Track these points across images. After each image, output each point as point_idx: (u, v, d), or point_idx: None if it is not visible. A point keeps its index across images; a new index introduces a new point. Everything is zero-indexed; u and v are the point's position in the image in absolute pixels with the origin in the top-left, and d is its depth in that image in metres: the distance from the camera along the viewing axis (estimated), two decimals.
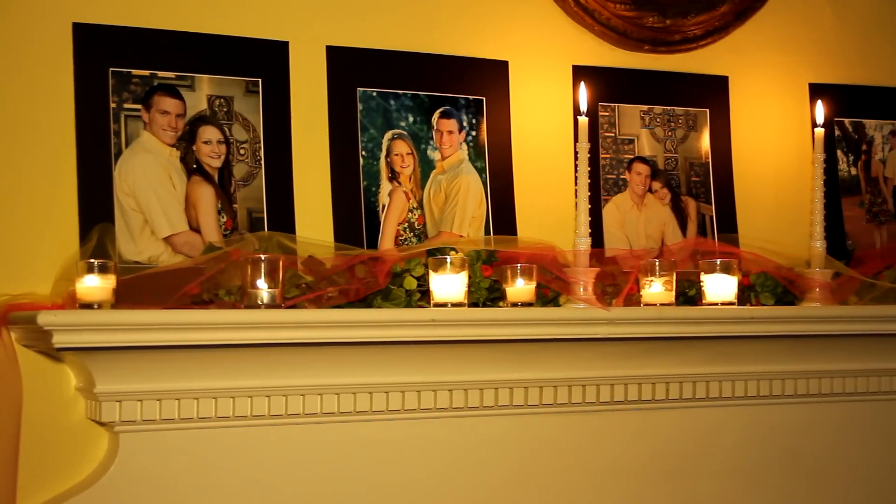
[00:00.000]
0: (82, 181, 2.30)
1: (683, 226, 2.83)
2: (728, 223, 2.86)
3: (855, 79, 3.05)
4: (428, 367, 2.35)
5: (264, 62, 2.48)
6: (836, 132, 3.01)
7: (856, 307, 2.68)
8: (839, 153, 3.01)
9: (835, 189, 2.96)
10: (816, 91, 2.97)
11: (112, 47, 2.35)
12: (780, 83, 2.98)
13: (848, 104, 3.02)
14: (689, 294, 2.58)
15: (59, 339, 2.00)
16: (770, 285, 2.63)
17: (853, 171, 3.03)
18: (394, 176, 2.57)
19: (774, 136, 2.97)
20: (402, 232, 2.56)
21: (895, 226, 3.04)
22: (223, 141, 2.44)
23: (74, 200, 2.30)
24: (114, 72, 2.35)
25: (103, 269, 2.12)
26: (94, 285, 2.10)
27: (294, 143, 2.49)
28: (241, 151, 2.45)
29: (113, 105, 2.35)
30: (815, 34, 3.03)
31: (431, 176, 2.61)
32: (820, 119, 2.71)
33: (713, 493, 2.65)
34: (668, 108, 2.85)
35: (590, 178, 2.45)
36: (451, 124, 2.64)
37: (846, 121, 3.03)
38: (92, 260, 2.13)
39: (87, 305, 2.10)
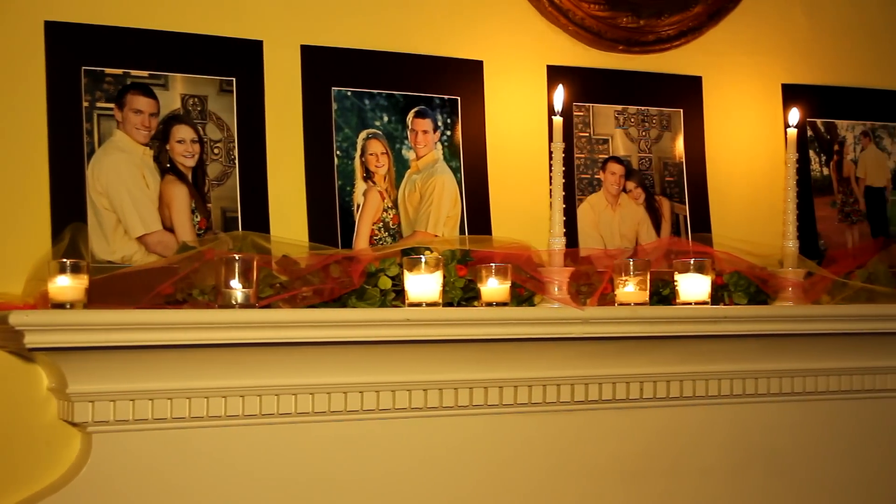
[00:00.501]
0: (54, 180, 2.29)
1: (657, 225, 2.84)
2: (702, 223, 2.87)
3: (827, 80, 3.07)
4: (402, 367, 2.35)
5: (238, 61, 2.47)
6: (809, 133, 3.02)
7: (828, 306, 2.69)
8: (811, 153, 3.03)
9: (807, 189, 2.98)
10: (789, 92, 3.00)
11: (84, 46, 2.34)
12: (753, 84, 3.00)
13: (820, 105, 3.04)
14: (663, 293, 2.59)
15: (30, 340, 1.99)
16: (743, 285, 2.65)
17: (825, 171, 3.05)
18: (368, 175, 2.57)
19: (748, 137, 2.99)
20: (376, 231, 2.56)
21: (867, 226, 3.06)
22: (197, 140, 2.43)
23: (47, 199, 2.28)
24: (86, 70, 2.34)
25: (76, 269, 2.10)
26: (67, 285, 2.09)
27: (268, 143, 2.49)
28: (215, 151, 2.45)
29: (85, 104, 2.33)
30: (787, 35, 3.05)
31: (406, 175, 2.61)
32: (793, 121, 2.73)
33: (688, 492, 2.66)
34: (643, 108, 2.86)
35: (564, 177, 2.45)
36: (426, 124, 2.64)
37: (818, 121, 3.05)
38: (64, 259, 2.11)
39: (60, 305, 2.08)
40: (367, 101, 2.59)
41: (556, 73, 2.73)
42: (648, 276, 2.48)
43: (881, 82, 3.13)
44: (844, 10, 3.12)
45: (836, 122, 3.07)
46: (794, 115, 2.74)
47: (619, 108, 2.84)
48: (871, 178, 3.09)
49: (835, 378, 2.77)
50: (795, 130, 2.72)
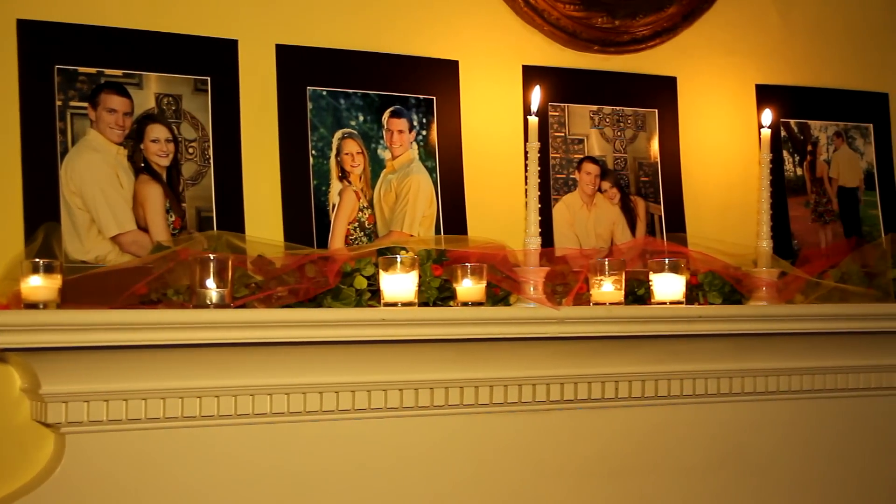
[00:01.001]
0: (27, 180, 2.27)
1: (632, 225, 2.84)
2: (676, 223, 2.88)
3: (800, 80, 3.09)
4: (378, 367, 2.34)
5: (213, 60, 2.47)
6: (783, 133, 3.04)
7: (801, 306, 2.71)
8: (785, 154, 3.04)
9: (781, 189, 2.99)
10: (763, 92, 3.01)
11: (58, 44, 2.32)
12: (727, 84, 3.01)
13: (794, 105, 3.06)
14: (638, 293, 2.60)
15: (3, 340, 1.98)
16: (718, 284, 2.66)
17: (799, 171, 3.06)
18: (344, 175, 2.57)
19: (722, 137, 3.00)
20: (352, 231, 2.55)
21: (840, 226, 3.08)
22: (171, 139, 2.42)
23: (19, 199, 2.27)
24: (59, 69, 2.33)
25: (49, 269, 2.09)
26: (40, 285, 2.07)
27: (243, 142, 2.48)
28: (190, 150, 2.44)
29: (59, 103, 2.32)
30: (761, 36, 3.06)
31: (382, 175, 2.61)
32: (767, 121, 2.74)
33: (663, 491, 2.67)
34: (618, 108, 2.86)
35: (540, 177, 2.46)
36: (402, 123, 2.63)
37: (792, 122, 3.06)
38: (37, 259, 2.10)
39: (33, 305, 2.07)
40: (342, 101, 2.58)
41: (531, 73, 2.73)
42: (623, 276, 2.49)
43: (854, 83, 3.15)
44: (818, 11, 3.14)
45: (810, 122, 3.08)
46: (768, 115, 2.75)
47: (595, 108, 2.84)
48: (843, 179, 3.11)
49: (808, 377, 2.78)
50: (769, 131, 2.73)
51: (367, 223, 2.57)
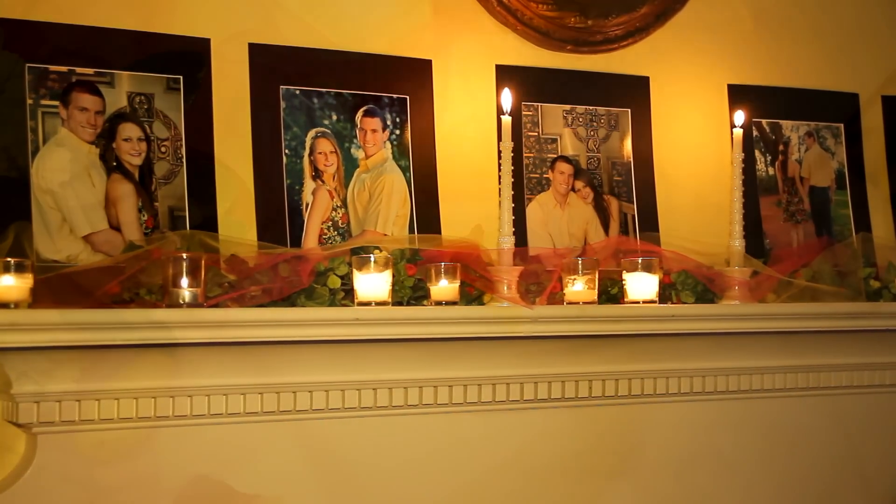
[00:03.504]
0: None
1: (606, 225, 2.85)
2: (649, 222, 2.89)
3: (772, 80, 3.10)
4: (352, 366, 2.34)
5: (185, 59, 2.46)
6: (754, 133, 3.06)
7: (774, 305, 2.72)
8: (757, 153, 3.06)
9: (753, 189, 3.01)
10: (735, 92, 3.02)
11: (29, 43, 2.31)
12: (699, 84, 3.02)
13: (765, 105, 3.08)
14: (611, 292, 2.60)
15: None
16: (690, 283, 2.67)
17: (771, 171, 3.08)
18: (317, 174, 2.56)
19: (694, 137, 3.01)
20: (325, 230, 2.55)
21: (811, 225, 3.10)
22: (143, 138, 2.41)
23: None
24: (31, 67, 2.31)
25: (20, 269, 2.08)
26: (11, 284, 2.06)
27: (216, 141, 2.47)
28: (162, 149, 2.43)
29: (30, 101, 2.31)
30: (733, 36, 3.08)
31: (355, 174, 2.61)
32: (739, 121, 2.75)
33: (637, 489, 2.67)
34: (591, 107, 2.87)
35: (513, 177, 2.46)
36: (375, 123, 2.63)
37: (764, 122, 3.08)
38: (8, 259, 2.09)
39: (4, 305, 2.05)
40: (315, 100, 2.58)
41: (504, 73, 2.74)
42: (597, 275, 2.50)
43: (825, 84, 3.17)
44: (789, 12, 3.15)
45: (781, 122, 3.10)
46: (740, 115, 2.77)
47: (568, 107, 2.85)
48: (815, 178, 3.13)
49: (780, 375, 2.80)
50: (741, 130, 2.74)
51: (340, 222, 2.57)
